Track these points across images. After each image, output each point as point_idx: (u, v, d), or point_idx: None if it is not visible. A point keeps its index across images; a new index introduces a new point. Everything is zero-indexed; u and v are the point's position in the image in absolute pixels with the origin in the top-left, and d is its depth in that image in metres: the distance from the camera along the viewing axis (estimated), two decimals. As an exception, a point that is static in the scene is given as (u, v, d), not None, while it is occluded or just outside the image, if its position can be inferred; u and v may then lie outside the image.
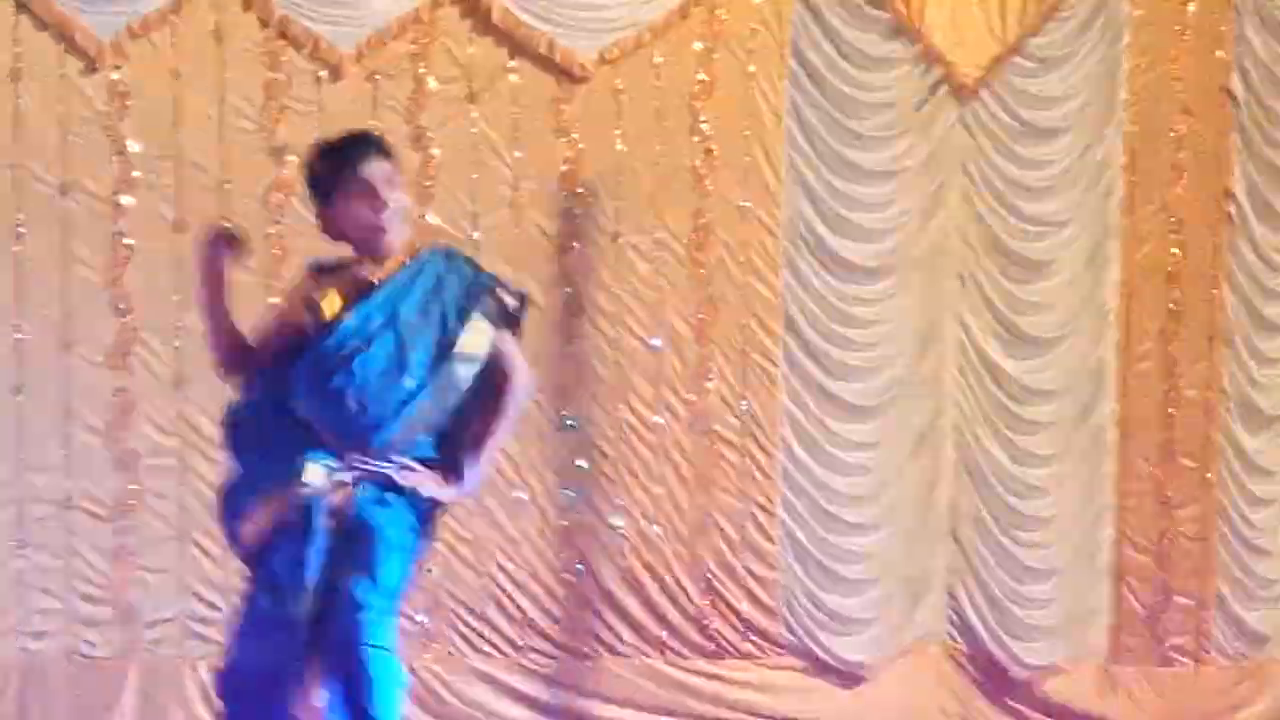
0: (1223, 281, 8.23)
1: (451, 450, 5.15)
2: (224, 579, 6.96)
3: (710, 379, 7.48)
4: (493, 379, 5.15)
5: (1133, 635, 8.08)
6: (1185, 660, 8.16)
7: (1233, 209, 8.19)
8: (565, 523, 7.34)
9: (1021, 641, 7.89)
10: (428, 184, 7.20)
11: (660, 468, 7.30)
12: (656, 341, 7.43)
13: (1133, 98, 8.00)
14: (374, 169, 5.07)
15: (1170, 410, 8.17)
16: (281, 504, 4.95)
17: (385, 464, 5.03)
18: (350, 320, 5.02)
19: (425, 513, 5.15)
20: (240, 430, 5.14)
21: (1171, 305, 8.15)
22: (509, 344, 5.18)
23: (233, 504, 5.09)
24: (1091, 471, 8.02)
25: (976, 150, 7.84)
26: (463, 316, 5.08)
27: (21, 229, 7.01)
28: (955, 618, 7.86)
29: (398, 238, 5.11)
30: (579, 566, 7.33)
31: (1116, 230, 8.00)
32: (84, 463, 7.03)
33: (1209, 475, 8.21)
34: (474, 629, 7.22)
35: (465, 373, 5.08)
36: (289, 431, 5.02)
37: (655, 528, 7.36)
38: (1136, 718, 8.02)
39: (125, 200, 7.06)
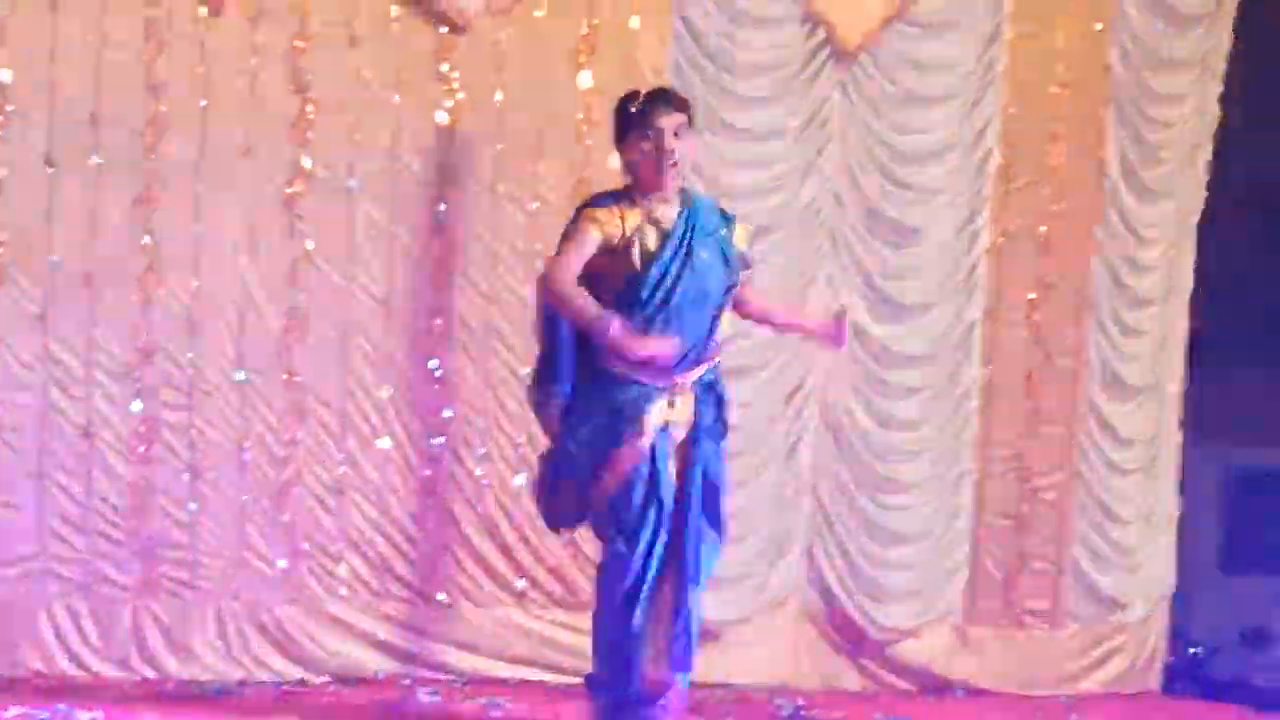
0: (1092, 253, 8.34)
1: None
2: (83, 518, 6.95)
3: (581, 333, 7.50)
4: None
5: (989, 599, 8.21)
6: (1040, 624, 8.31)
7: (1105, 181, 8.30)
8: (428, 471, 7.36)
9: (879, 603, 7.99)
10: (305, 128, 7.17)
11: (525, 419, 7.32)
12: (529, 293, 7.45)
13: (1011, 68, 8.08)
14: (666, 120, 6.00)
15: (1035, 378, 8.29)
16: (632, 455, 5.93)
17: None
18: (665, 255, 5.97)
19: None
20: (566, 412, 6.04)
21: (1041, 275, 8.26)
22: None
23: (567, 477, 6.05)
24: (955, 437, 8.13)
25: (855, 115, 7.89)
26: (729, 239, 6.14)
27: (-112, 158, 6.94)
28: (815, 578, 7.95)
29: (677, 180, 6.05)
30: (441, 514, 7.36)
31: (989, 199, 8.09)
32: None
33: (1071, 443, 8.35)
34: (333, 575, 7.24)
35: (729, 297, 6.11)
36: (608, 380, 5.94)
37: (518, 478, 7.39)
38: (990, 680, 8.15)
39: (-4, 132, 6.99)
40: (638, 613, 5.93)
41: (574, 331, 6.01)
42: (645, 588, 5.95)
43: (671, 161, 6.03)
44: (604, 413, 5.98)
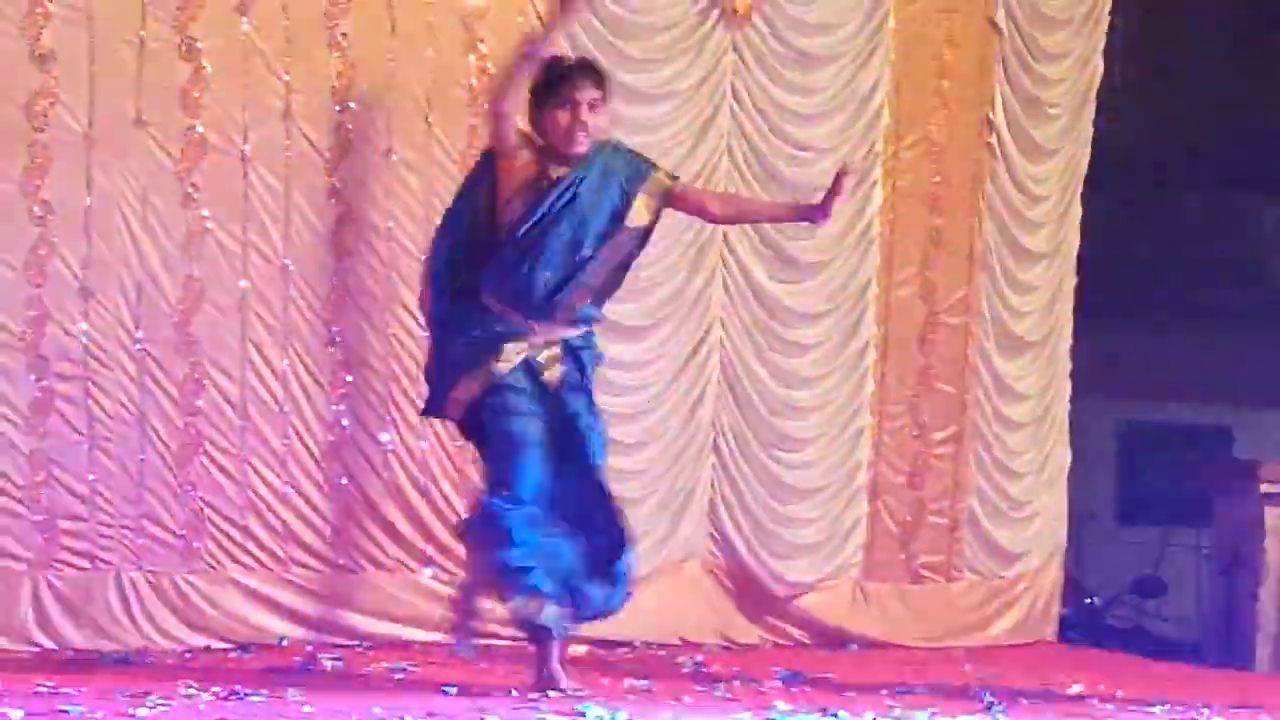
0: (983, 210, 8.46)
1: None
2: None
3: (480, 297, 7.51)
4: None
5: (887, 553, 8.31)
6: (937, 578, 8.42)
7: (993, 139, 8.41)
8: (331, 437, 7.35)
9: (780, 559, 8.07)
10: (197, 95, 7.13)
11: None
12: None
13: (899, 27, 8.17)
14: (585, 94, 6.20)
15: (929, 334, 8.39)
16: (485, 378, 6.20)
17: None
18: (552, 195, 6.20)
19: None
20: (442, 323, 6.36)
21: (932, 232, 8.36)
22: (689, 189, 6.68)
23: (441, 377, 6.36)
24: (852, 393, 8.22)
25: (747, 75, 7.95)
26: (628, 195, 6.28)
27: None
28: (716, 535, 8.02)
29: (584, 149, 6.24)
30: (343, 480, 7.36)
31: (880, 157, 8.17)
32: None
33: (965, 398, 8.46)
34: (236, 542, 7.21)
35: (630, 242, 6.33)
36: (481, 316, 6.22)
37: (422, 443, 7.40)
38: (890, 633, 8.25)
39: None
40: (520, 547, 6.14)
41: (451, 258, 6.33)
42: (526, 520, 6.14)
43: (584, 134, 6.23)
44: (468, 338, 6.23)
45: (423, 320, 7.17)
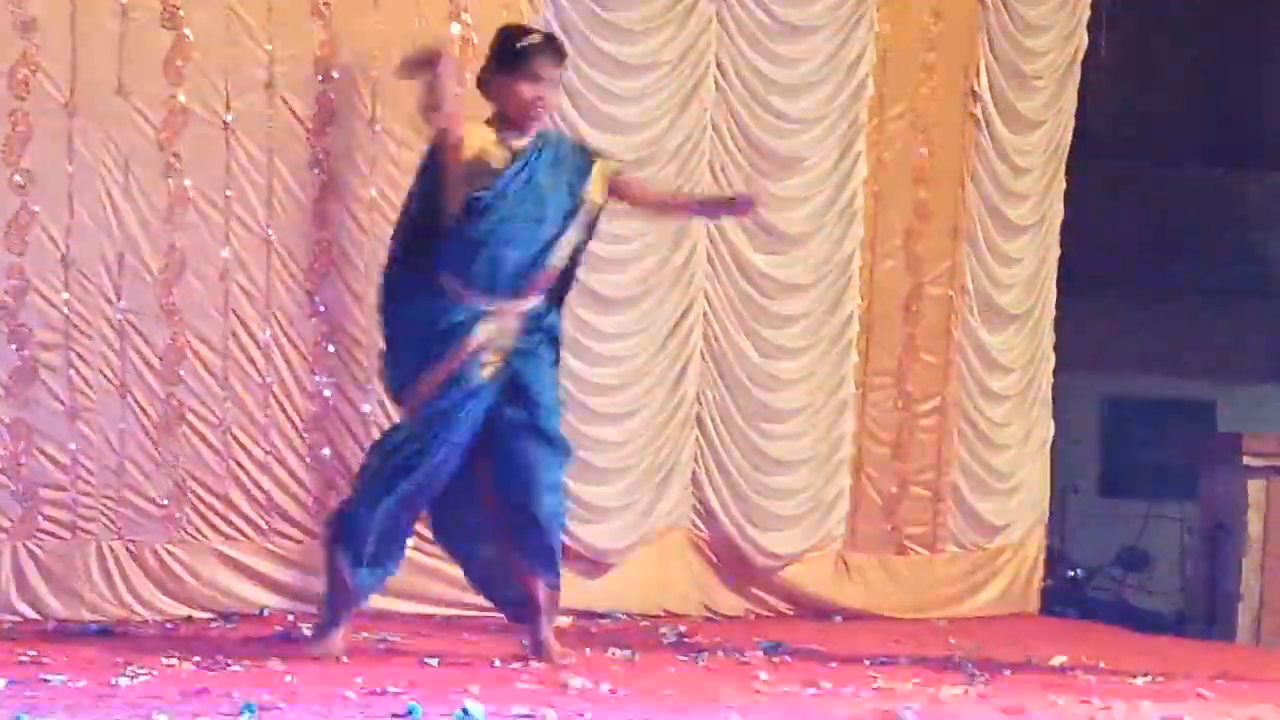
0: (967, 182, 8.45)
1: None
2: None
3: (463, 267, 7.49)
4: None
5: (870, 525, 8.32)
6: (920, 549, 8.43)
7: (978, 111, 8.41)
8: (314, 408, 7.34)
9: (764, 530, 8.07)
10: (180, 64, 7.10)
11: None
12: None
13: (884, -2, 8.15)
14: (549, 71, 6.20)
15: (913, 306, 8.39)
16: (453, 361, 6.12)
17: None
18: (508, 173, 6.15)
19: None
20: (396, 303, 6.28)
21: (917, 204, 8.35)
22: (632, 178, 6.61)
23: (403, 366, 6.27)
24: (836, 365, 8.22)
25: (731, 46, 7.94)
26: (584, 174, 6.26)
27: None
28: (699, 506, 8.02)
29: (539, 125, 6.25)
30: (325, 451, 7.34)
31: (865, 129, 8.16)
32: None
33: (949, 371, 8.46)
34: (217, 512, 7.20)
35: (588, 221, 6.30)
36: (438, 298, 6.15)
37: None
38: (872, 605, 8.26)
39: None
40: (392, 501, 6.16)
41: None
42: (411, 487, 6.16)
43: (544, 110, 6.27)
44: (428, 327, 6.18)
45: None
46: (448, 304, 6.18)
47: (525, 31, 6.40)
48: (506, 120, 6.24)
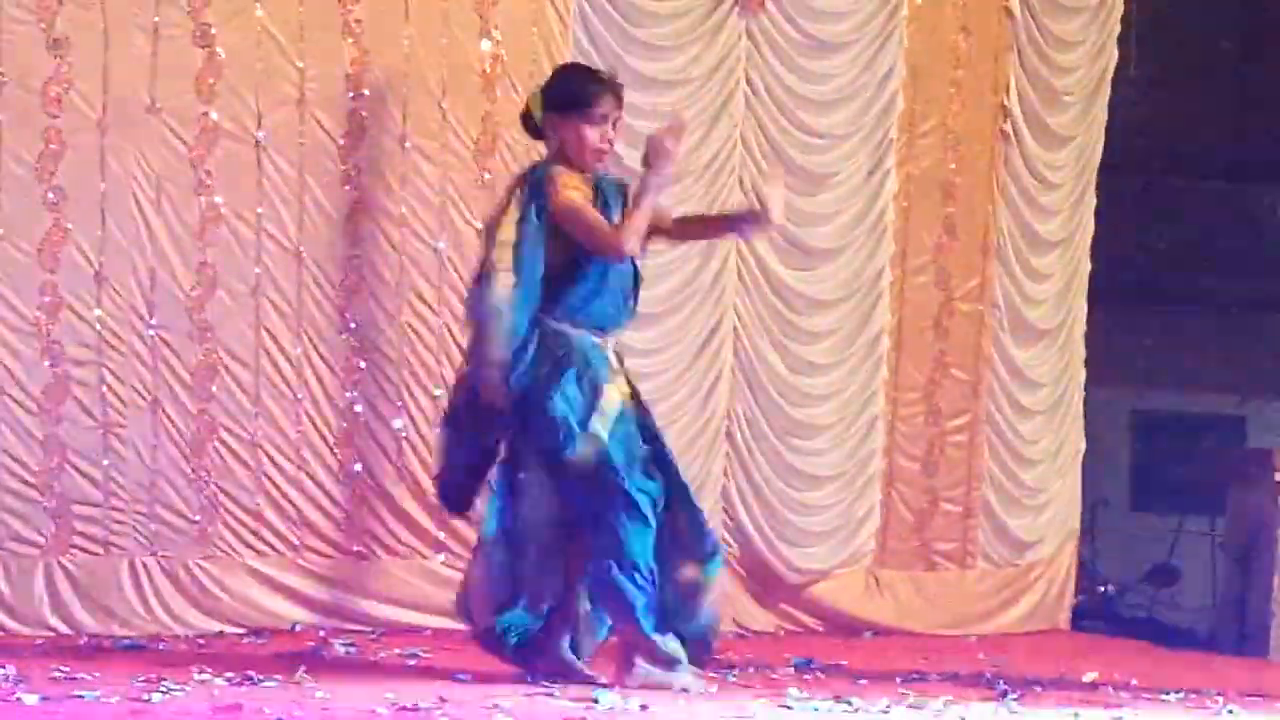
0: (997, 197, 8.46)
1: None
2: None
3: (494, 284, 7.50)
4: None
5: (900, 541, 8.31)
6: (951, 565, 8.42)
7: (1008, 126, 8.41)
8: (345, 424, 7.35)
9: (794, 546, 8.07)
10: (211, 81, 7.13)
11: (440, 370, 7.34)
12: (441, 244, 7.46)
13: (913, 14, 8.16)
14: (615, 112, 6.16)
15: (943, 322, 8.39)
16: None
17: None
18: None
19: None
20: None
21: (947, 220, 8.35)
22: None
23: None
24: (866, 381, 8.22)
25: (761, 62, 7.95)
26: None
27: None
28: (730, 522, 8.02)
29: (602, 167, 6.19)
30: (356, 466, 7.36)
31: (895, 145, 8.17)
32: None
33: (979, 386, 8.45)
34: (249, 527, 7.22)
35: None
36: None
37: (435, 429, 7.39)
38: (903, 621, 8.25)
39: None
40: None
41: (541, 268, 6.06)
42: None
43: (607, 153, 6.19)
44: (571, 359, 6.06)
45: (437, 307, 7.21)
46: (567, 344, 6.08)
47: (585, 71, 6.37)
48: (566, 161, 6.14)
